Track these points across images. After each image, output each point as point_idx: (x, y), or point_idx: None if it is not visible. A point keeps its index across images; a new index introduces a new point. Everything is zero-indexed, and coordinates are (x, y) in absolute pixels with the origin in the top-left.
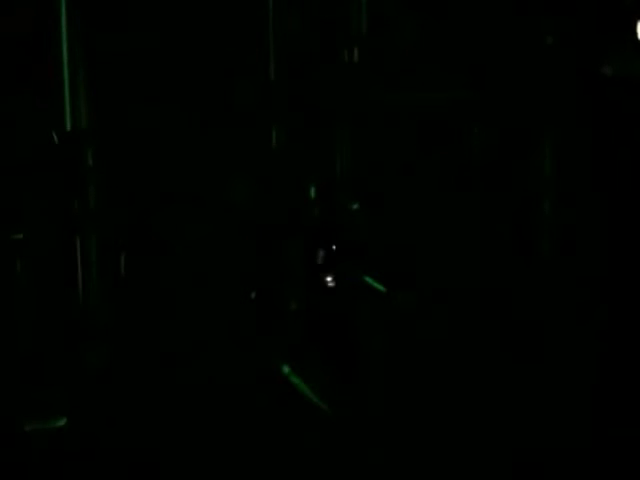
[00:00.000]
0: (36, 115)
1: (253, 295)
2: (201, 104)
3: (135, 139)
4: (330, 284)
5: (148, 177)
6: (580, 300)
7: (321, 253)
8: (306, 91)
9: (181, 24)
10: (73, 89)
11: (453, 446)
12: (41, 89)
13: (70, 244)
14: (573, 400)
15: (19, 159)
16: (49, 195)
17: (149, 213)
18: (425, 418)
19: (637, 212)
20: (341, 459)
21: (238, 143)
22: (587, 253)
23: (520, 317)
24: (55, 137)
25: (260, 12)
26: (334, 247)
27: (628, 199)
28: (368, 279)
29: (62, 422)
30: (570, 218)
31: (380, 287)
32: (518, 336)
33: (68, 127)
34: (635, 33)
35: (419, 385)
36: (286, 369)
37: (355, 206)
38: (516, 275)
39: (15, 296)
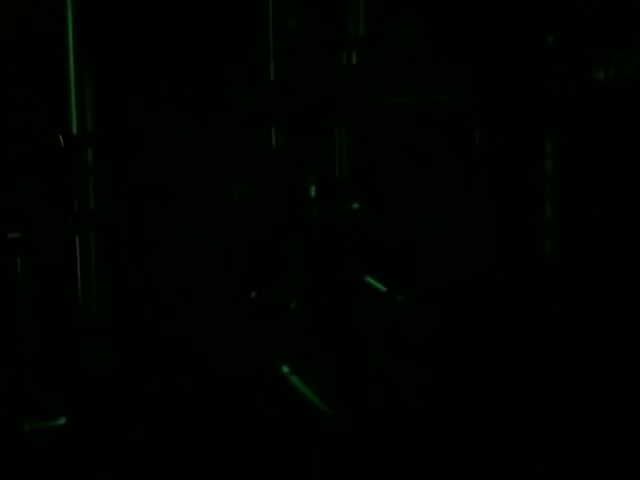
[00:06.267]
0: (37, 114)
1: (253, 295)
2: (201, 104)
3: (135, 139)
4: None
5: (148, 177)
6: (582, 299)
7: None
8: (306, 91)
9: (181, 24)
10: (79, 89)
11: (454, 446)
12: (45, 88)
13: (70, 244)
14: (574, 399)
15: (19, 159)
16: (49, 195)
17: (149, 212)
18: (426, 418)
19: (639, 211)
20: (341, 459)
21: (238, 143)
22: (589, 253)
23: (522, 316)
24: (61, 139)
25: (260, 12)
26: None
27: (630, 198)
28: (368, 279)
29: (61, 422)
30: (572, 218)
31: (380, 287)
32: (520, 335)
33: (74, 129)
34: (634, 34)
35: (419, 385)
36: (286, 369)
37: (355, 206)
38: (518, 275)
39: (15, 296)
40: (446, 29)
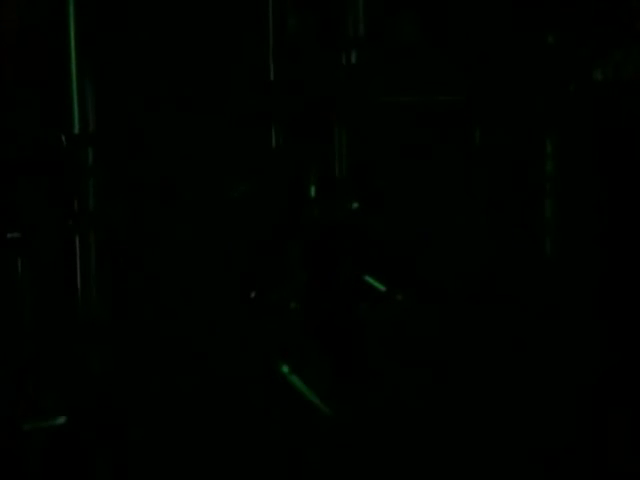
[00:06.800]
0: (36, 114)
1: (253, 295)
2: (201, 104)
3: (134, 139)
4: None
5: (148, 177)
6: (582, 299)
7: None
8: (306, 91)
9: (182, 24)
10: (80, 89)
11: (454, 446)
12: (45, 87)
13: (69, 244)
14: (575, 399)
15: (19, 158)
16: (49, 195)
17: (148, 213)
18: (426, 418)
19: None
20: (341, 459)
21: (238, 143)
22: (589, 252)
23: (522, 316)
24: (63, 139)
25: (260, 12)
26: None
27: (630, 198)
28: (368, 279)
29: (61, 421)
30: (572, 217)
31: (380, 287)
32: (520, 335)
33: (74, 129)
34: (634, 34)
35: (419, 385)
36: (286, 369)
37: (355, 206)
38: (518, 275)
39: (14, 296)
40: (446, 28)
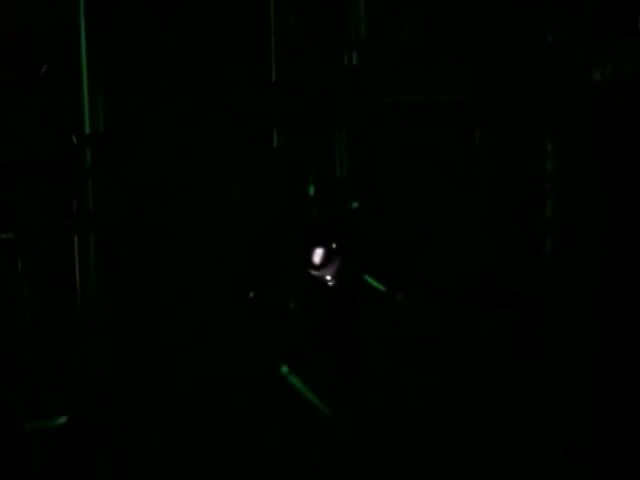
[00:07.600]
0: (37, 114)
1: (253, 295)
2: (201, 104)
3: (135, 139)
4: (330, 283)
5: (147, 177)
6: (582, 298)
7: (319, 252)
8: (306, 91)
9: (183, 25)
10: (91, 90)
11: (454, 445)
12: (47, 88)
13: (68, 244)
14: (575, 397)
15: (18, 158)
16: (47, 195)
17: (148, 212)
18: (425, 418)
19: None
20: (341, 459)
21: (238, 143)
22: (589, 252)
23: (522, 316)
24: (74, 139)
25: (261, 13)
26: (334, 246)
27: (630, 197)
28: (368, 279)
29: (62, 421)
30: (572, 217)
31: (380, 287)
32: (520, 335)
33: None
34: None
35: (419, 385)
36: (285, 369)
37: (355, 205)
38: (518, 274)
39: (14, 296)
40: (446, 28)
